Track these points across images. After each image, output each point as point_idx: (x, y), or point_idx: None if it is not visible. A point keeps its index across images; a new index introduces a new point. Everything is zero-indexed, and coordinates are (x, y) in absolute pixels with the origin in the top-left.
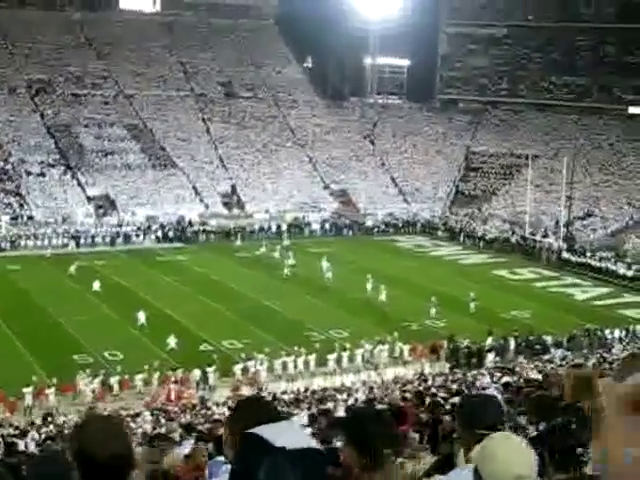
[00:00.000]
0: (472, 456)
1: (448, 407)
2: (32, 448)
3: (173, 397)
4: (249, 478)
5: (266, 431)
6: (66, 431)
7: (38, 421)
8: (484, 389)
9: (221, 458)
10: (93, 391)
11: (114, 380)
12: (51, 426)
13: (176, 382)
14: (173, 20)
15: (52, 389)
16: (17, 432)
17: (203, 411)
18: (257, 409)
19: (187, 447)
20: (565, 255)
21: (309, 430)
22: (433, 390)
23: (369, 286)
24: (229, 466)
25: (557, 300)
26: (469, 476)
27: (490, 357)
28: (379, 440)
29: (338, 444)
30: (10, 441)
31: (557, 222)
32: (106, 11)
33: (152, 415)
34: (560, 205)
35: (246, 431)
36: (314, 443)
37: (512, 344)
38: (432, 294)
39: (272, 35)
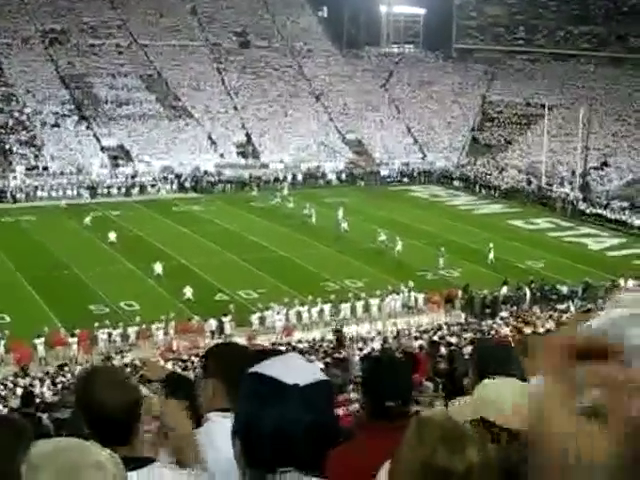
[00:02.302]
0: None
1: (465, 357)
2: (47, 397)
3: (175, 347)
4: (260, 422)
5: (271, 368)
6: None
7: (52, 371)
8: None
9: None
10: (111, 341)
11: (131, 330)
12: (69, 375)
13: (185, 331)
14: None
15: (75, 338)
16: (33, 383)
17: None
18: (236, 354)
19: None
20: (581, 205)
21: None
22: (448, 339)
23: (381, 238)
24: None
25: (572, 250)
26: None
27: (502, 306)
28: (388, 389)
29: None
30: (28, 391)
31: (573, 172)
32: None
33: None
34: (576, 155)
35: (250, 370)
36: (321, 373)
37: (528, 294)
38: (447, 244)
39: None
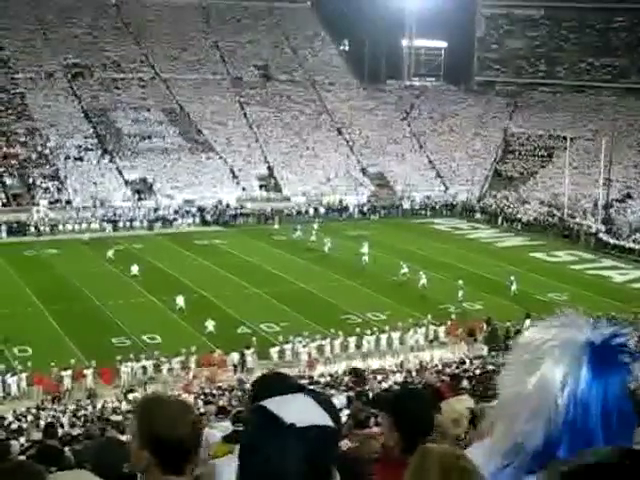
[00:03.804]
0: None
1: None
2: (67, 428)
3: (196, 381)
4: (255, 455)
5: (276, 405)
6: (113, 415)
7: (81, 402)
8: None
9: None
10: (133, 374)
11: (153, 363)
12: (90, 407)
13: (207, 365)
14: (209, 4)
15: (90, 370)
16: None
17: (240, 393)
18: (279, 383)
19: (226, 429)
20: (603, 237)
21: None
22: (470, 373)
23: (403, 271)
24: None
25: (595, 282)
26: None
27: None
28: (426, 424)
29: (375, 429)
30: (50, 423)
31: (595, 204)
32: None
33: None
34: (598, 187)
35: (256, 404)
36: (326, 418)
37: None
38: (469, 276)
39: (308, 17)
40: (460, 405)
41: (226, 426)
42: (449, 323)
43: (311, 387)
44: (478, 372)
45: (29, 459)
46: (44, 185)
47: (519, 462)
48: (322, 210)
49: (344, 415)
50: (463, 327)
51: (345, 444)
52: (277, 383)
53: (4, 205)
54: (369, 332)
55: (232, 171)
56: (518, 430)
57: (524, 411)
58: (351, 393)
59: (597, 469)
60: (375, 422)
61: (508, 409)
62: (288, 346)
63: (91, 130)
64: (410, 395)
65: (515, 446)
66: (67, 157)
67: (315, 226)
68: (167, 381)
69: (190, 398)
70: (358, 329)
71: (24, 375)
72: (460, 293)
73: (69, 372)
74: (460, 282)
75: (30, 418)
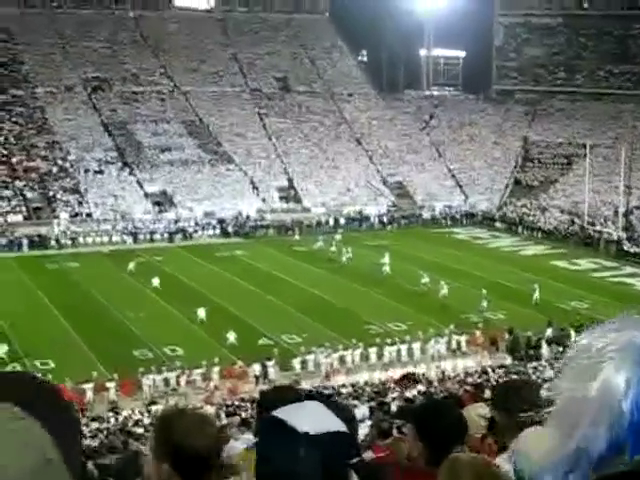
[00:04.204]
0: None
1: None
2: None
3: (217, 393)
4: (271, 464)
5: (287, 414)
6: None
7: (104, 414)
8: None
9: None
10: (155, 386)
11: (174, 375)
12: (112, 420)
13: (228, 376)
14: (227, 16)
15: (113, 383)
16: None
17: None
18: (286, 396)
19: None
20: (624, 245)
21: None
22: (493, 382)
23: (424, 280)
24: None
25: (616, 290)
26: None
27: (547, 348)
28: (451, 436)
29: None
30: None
31: (616, 211)
32: (161, 9)
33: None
34: (619, 194)
35: (268, 414)
36: (339, 424)
37: (573, 335)
38: (491, 285)
39: (326, 29)
40: (474, 412)
41: (249, 438)
42: (477, 333)
43: (323, 393)
44: (501, 381)
45: None
46: (65, 198)
47: (583, 469)
48: (342, 221)
49: (366, 426)
50: (485, 336)
51: (370, 456)
52: (284, 394)
53: (25, 219)
54: (389, 342)
55: (252, 182)
56: (580, 435)
57: (586, 416)
58: (373, 404)
59: (632, 477)
60: (399, 432)
61: (568, 415)
62: (310, 357)
63: (111, 143)
64: (435, 406)
65: (577, 451)
66: (87, 170)
67: (337, 237)
68: (188, 393)
69: (212, 410)
70: (379, 339)
71: None
72: (485, 303)
73: (91, 385)
74: (484, 292)
75: None
